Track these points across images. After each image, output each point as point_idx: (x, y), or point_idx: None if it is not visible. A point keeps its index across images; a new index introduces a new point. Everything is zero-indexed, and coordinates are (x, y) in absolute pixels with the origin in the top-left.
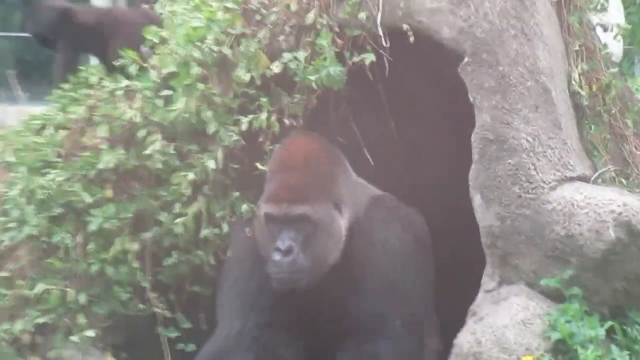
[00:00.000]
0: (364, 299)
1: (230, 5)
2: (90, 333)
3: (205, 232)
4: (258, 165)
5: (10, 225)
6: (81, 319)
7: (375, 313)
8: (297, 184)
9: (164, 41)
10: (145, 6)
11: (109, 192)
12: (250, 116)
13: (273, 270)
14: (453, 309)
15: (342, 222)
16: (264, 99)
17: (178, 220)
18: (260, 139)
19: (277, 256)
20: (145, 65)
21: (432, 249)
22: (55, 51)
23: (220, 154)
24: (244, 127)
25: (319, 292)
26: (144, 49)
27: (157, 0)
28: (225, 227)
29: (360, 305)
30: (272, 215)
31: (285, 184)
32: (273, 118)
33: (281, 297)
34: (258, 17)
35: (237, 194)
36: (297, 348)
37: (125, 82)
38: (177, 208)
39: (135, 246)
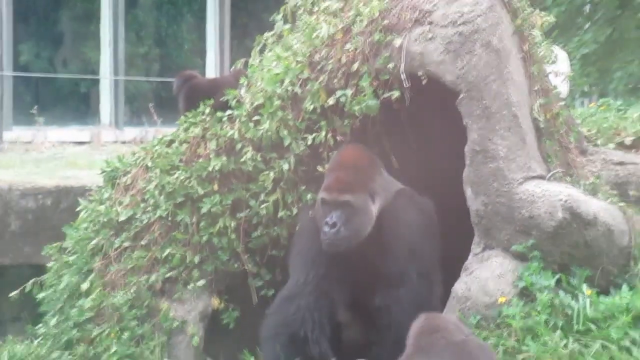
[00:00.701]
0: (391, 259)
1: (300, 58)
2: (201, 283)
3: (281, 213)
4: (319, 167)
5: (148, 209)
6: (195, 274)
7: (399, 268)
8: (344, 179)
9: (255, 82)
10: (239, 67)
11: (215, 186)
12: (314, 134)
13: (323, 238)
14: (456, 266)
15: (374, 208)
16: (323, 123)
17: (263, 205)
18: (320, 150)
19: (326, 228)
20: (240, 100)
21: (438, 226)
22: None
23: (292, 160)
24: (309, 142)
25: (360, 255)
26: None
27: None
28: (295, 210)
29: (389, 263)
30: (325, 200)
31: (336, 178)
32: (329, 135)
33: (333, 258)
34: (319, 67)
35: (303, 187)
36: (345, 293)
37: (229, 111)
38: (262, 197)
39: (233, 223)
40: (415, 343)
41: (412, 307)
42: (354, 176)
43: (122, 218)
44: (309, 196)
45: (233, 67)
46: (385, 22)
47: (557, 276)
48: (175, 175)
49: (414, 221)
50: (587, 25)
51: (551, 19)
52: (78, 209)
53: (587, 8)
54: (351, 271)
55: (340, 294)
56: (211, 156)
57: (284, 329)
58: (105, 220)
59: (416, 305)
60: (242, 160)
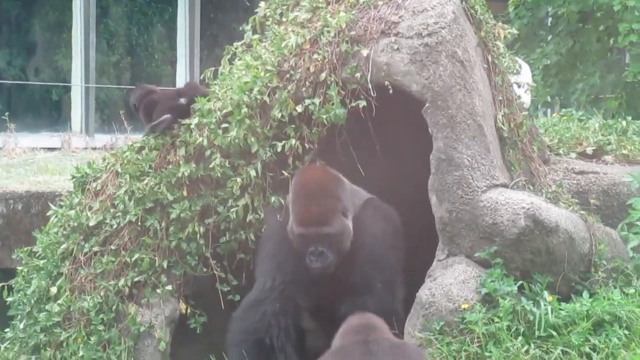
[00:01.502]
0: (357, 268)
1: (269, 67)
2: (169, 287)
3: (250, 217)
4: (284, 172)
5: (118, 214)
6: (163, 278)
7: (364, 278)
8: (316, 211)
9: (224, 92)
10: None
11: (184, 192)
12: (283, 142)
13: (311, 266)
14: (423, 273)
15: (349, 223)
16: (291, 131)
17: (233, 210)
18: (287, 154)
19: (312, 257)
20: (209, 107)
21: (402, 234)
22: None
23: (259, 166)
24: (279, 149)
25: None
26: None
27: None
28: (262, 214)
29: (354, 272)
30: (304, 235)
31: (309, 212)
32: (298, 143)
33: (299, 264)
34: (288, 76)
35: (270, 192)
36: (310, 300)
37: (197, 119)
38: (230, 202)
39: (201, 229)
40: (355, 339)
41: (377, 315)
42: (325, 204)
43: (92, 223)
44: (273, 199)
45: (187, 81)
46: (353, 33)
47: (519, 283)
48: (145, 182)
49: (379, 231)
50: (549, 38)
51: (514, 31)
52: (48, 213)
53: (549, 21)
54: (317, 278)
55: (305, 301)
56: (180, 162)
57: (250, 335)
58: (75, 225)
59: (381, 313)
60: (211, 166)
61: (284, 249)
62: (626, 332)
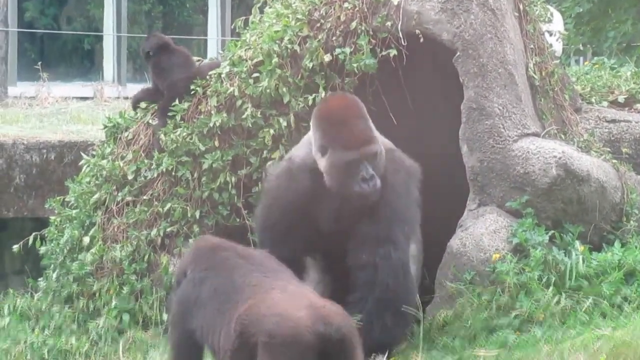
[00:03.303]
0: (381, 219)
1: (299, 16)
2: None
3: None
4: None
5: (152, 165)
6: (195, 228)
7: (387, 231)
8: (360, 131)
9: (254, 40)
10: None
11: (216, 142)
12: (314, 94)
13: (363, 192)
14: (449, 223)
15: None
16: (322, 81)
17: (269, 163)
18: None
19: (363, 184)
20: (240, 55)
21: (420, 191)
22: None
23: (292, 117)
24: (310, 101)
25: (346, 214)
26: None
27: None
28: None
29: (377, 226)
30: (354, 158)
31: (352, 133)
32: (329, 94)
33: (310, 226)
34: (318, 25)
35: None
36: (325, 251)
37: (228, 68)
38: (264, 154)
39: (233, 179)
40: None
41: (398, 267)
42: (363, 123)
43: (129, 175)
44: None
45: (210, 60)
46: None
47: (551, 233)
48: (177, 132)
49: (400, 185)
50: None
51: None
52: (81, 163)
53: None
54: (329, 234)
55: (315, 259)
56: (212, 112)
57: None
58: (107, 174)
59: (401, 266)
60: (243, 117)
61: (288, 217)
62: None
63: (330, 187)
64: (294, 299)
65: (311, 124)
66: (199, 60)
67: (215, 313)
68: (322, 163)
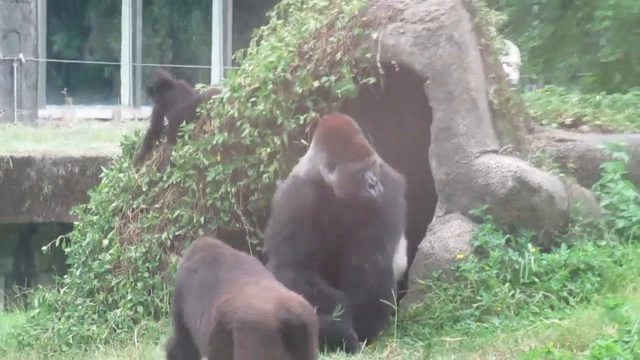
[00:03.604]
0: (371, 227)
1: (291, 49)
2: None
3: (278, 182)
4: (302, 141)
5: (163, 177)
6: (200, 232)
7: (377, 239)
8: (363, 144)
9: (252, 69)
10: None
11: (218, 158)
12: (305, 114)
13: (370, 197)
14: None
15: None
16: (310, 104)
17: (265, 175)
18: (308, 125)
19: (371, 190)
20: (239, 82)
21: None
22: None
23: (285, 136)
24: (301, 121)
25: (346, 221)
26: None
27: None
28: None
29: (369, 233)
30: (361, 168)
31: (357, 145)
32: (317, 115)
33: (316, 231)
34: (307, 56)
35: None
36: (324, 254)
37: (229, 93)
38: (261, 167)
39: (233, 189)
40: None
41: (383, 273)
42: (362, 138)
43: (143, 186)
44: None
45: (211, 87)
46: (364, 18)
47: (507, 236)
48: (185, 149)
49: (390, 197)
50: (535, 23)
51: (504, 17)
52: (101, 175)
53: (535, 8)
54: (329, 240)
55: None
56: (215, 132)
57: None
58: (124, 185)
59: (387, 269)
60: (242, 135)
61: (298, 228)
62: (598, 279)
63: (339, 197)
64: (264, 293)
65: (313, 144)
66: (202, 87)
67: (200, 301)
68: (332, 178)
